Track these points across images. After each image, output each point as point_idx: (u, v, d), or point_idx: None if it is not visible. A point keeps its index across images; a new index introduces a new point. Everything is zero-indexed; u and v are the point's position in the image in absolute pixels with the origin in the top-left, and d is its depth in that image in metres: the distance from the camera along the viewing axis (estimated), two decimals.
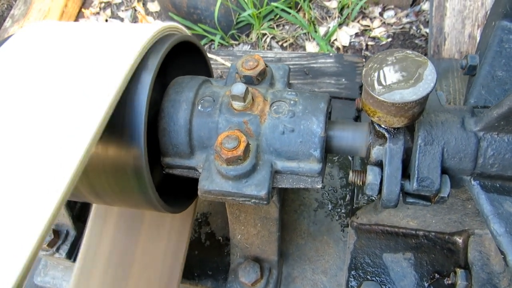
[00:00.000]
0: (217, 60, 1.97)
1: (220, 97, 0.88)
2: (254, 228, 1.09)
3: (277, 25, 2.48)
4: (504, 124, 0.72)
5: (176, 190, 1.03)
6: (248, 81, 0.90)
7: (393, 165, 0.78)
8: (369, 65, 0.72)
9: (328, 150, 0.88)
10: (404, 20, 2.41)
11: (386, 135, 0.79)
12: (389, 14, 2.45)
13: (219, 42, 2.42)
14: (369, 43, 2.37)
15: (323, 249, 1.25)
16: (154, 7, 2.79)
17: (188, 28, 2.32)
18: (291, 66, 0.98)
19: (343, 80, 1.82)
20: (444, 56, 1.95)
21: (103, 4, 2.89)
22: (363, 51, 2.34)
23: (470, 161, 0.76)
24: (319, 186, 0.86)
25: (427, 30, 2.30)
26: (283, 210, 1.32)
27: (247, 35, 2.47)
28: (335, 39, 2.40)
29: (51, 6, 2.67)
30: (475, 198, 0.78)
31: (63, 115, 0.69)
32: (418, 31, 2.36)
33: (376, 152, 0.82)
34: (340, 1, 2.47)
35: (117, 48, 0.80)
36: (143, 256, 1.16)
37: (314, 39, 2.39)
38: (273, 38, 2.46)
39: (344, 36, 2.39)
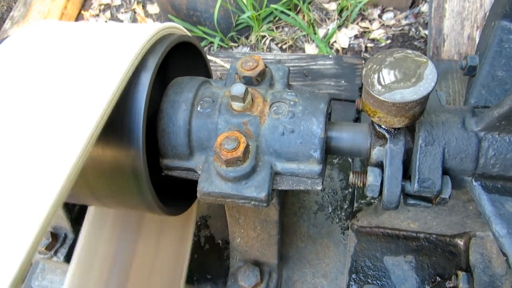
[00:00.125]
0: (217, 62, 1.96)
1: (219, 98, 0.87)
2: (253, 231, 1.08)
3: (276, 27, 2.48)
4: (505, 124, 0.71)
5: (175, 192, 1.02)
6: (248, 81, 0.89)
7: (393, 166, 0.77)
8: (369, 65, 0.71)
9: (328, 151, 0.87)
10: (403, 22, 2.41)
11: (387, 135, 0.79)
12: (388, 16, 2.45)
13: (218, 44, 2.42)
14: (369, 45, 2.37)
15: (324, 252, 1.24)
16: (153, 9, 2.79)
17: (188, 30, 2.32)
18: (290, 68, 0.97)
19: (343, 82, 1.81)
20: (444, 57, 1.94)
21: (102, 6, 2.89)
22: (362, 53, 2.33)
23: (471, 162, 0.75)
24: (319, 187, 0.86)
25: (426, 32, 2.30)
26: (283, 213, 1.31)
27: (247, 37, 2.47)
28: (335, 41, 2.39)
29: (51, 8, 2.67)
30: (477, 199, 0.77)
31: (60, 114, 0.68)
32: (417, 32, 2.36)
33: (377, 153, 0.81)
34: (339, 3, 2.47)
35: (116, 48, 0.80)
36: (142, 260, 1.14)
37: (313, 41, 2.39)
38: (272, 40, 2.46)
39: (343, 38, 2.39)
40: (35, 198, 0.60)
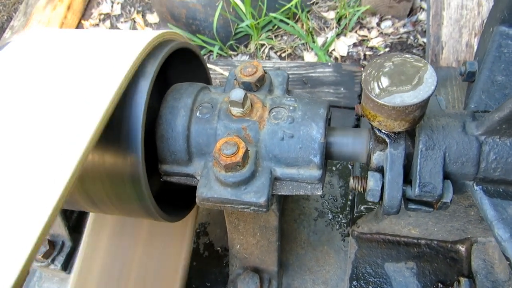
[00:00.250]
0: (216, 70, 1.97)
1: (218, 103, 0.87)
2: (253, 238, 1.07)
3: (275, 36, 2.49)
4: (506, 127, 0.71)
5: (174, 199, 1.01)
6: (247, 87, 0.89)
7: (394, 170, 0.77)
8: (369, 70, 0.71)
9: (328, 156, 0.87)
10: (402, 30, 2.42)
11: (387, 140, 0.78)
12: (386, 24, 2.46)
13: (217, 53, 2.43)
14: (367, 53, 2.38)
15: (324, 259, 1.23)
16: (153, 18, 2.80)
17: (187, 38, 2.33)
18: (289, 76, 0.97)
19: (342, 89, 1.81)
20: (442, 64, 1.95)
21: (102, 16, 2.90)
22: (361, 61, 2.34)
23: (472, 166, 0.75)
24: (319, 192, 0.85)
25: (425, 40, 2.32)
26: (283, 220, 1.30)
27: (246, 46, 2.48)
28: (333, 49, 2.40)
29: (51, 18, 2.68)
30: (478, 203, 0.77)
31: (58, 121, 0.68)
32: (416, 40, 2.37)
33: (377, 157, 0.81)
34: (337, 12, 2.48)
35: (115, 55, 0.80)
36: (141, 267, 1.13)
37: (312, 49, 2.40)
38: (271, 48, 2.47)
39: (342, 46, 2.40)
40: (34, 205, 0.59)
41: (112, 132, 0.77)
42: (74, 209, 1.16)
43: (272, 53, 2.46)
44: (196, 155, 0.86)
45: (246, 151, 0.79)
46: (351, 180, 0.84)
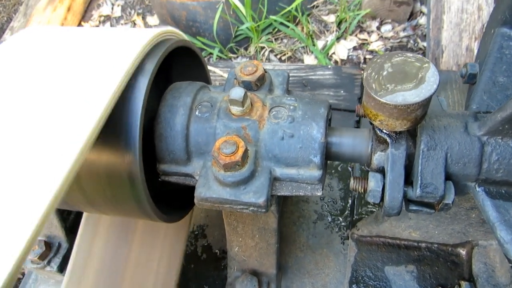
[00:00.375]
0: (216, 72, 1.96)
1: (218, 102, 0.86)
2: (252, 240, 1.05)
3: (275, 39, 2.49)
4: (509, 128, 0.70)
5: (172, 199, 1.00)
6: (247, 86, 0.88)
7: (395, 171, 0.76)
8: (370, 68, 0.70)
9: (328, 157, 0.86)
10: (402, 34, 2.42)
11: (388, 140, 0.77)
12: (386, 28, 2.46)
13: (217, 55, 2.42)
14: (367, 56, 2.37)
15: (323, 262, 1.22)
16: (153, 20, 2.80)
17: None
18: (289, 82, 0.96)
19: (342, 92, 1.81)
20: (442, 68, 1.95)
21: (102, 18, 2.90)
22: (361, 64, 2.34)
23: (474, 167, 0.74)
24: (319, 193, 0.84)
25: (425, 44, 2.31)
26: (282, 222, 1.29)
27: (246, 48, 2.48)
28: (333, 53, 2.40)
29: (51, 19, 2.68)
30: (480, 205, 0.76)
31: (55, 119, 0.67)
32: (416, 44, 2.37)
33: (378, 158, 0.80)
34: (337, 15, 2.48)
35: (114, 52, 0.79)
36: (135, 268, 1.12)
37: (312, 52, 2.40)
38: (271, 51, 2.46)
39: (342, 50, 2.40)
40: (29, 202, 0.58)
41: (110, 130, 0.76)
42: (71, 209, 1.14)
43: (272, 56, 2.46)
44: (195, 155, 0.85)
45: (246, 151, 0.78)
46: (352, 181, 0.83)
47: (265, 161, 0.82)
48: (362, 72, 1.86)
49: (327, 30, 2.50)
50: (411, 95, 0.65)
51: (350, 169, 1.39)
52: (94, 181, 0.82)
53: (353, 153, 0.84)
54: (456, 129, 0.75)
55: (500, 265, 0.99)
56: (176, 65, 1.07)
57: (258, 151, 0.81)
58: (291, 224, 1.29)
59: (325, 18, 2.54)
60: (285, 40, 2.50)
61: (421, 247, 1.12)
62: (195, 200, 0.81)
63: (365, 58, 2.38)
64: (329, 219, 1.30)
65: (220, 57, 2.46)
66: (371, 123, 0.83)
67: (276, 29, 2.48)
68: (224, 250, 1.28)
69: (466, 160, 0.74)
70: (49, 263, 1.24)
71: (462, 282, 1.02)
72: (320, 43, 2.44)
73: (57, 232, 1.25)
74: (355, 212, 1.27)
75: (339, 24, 2.49)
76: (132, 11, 2.90)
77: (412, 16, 2.46)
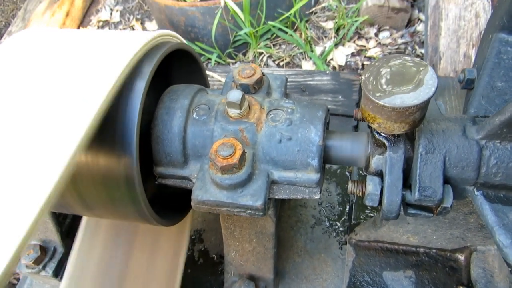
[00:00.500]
0: (214, 76, 1.96)
1: (215, 105, 0.86)
2: (249, 244, 1.05)
3: (273, 44, 2.50)
4: (507, 131, 0.70)
5: (170, 202, 0.99)
6: (245, 89, 0.88)
7: (393, 174, 0.75)
8: (368, 71, 0.70)
9: (326, 160, 0.86)
10: (399, 40, 2.44)
11: (386, 143, 0.77)
12: (384, 35, 2.48)
13: (216, 61, 2.43)
14: (365, 62, 2.38)
15: (321, 267, 1.21)
16: (152, 26, 2.81)
17: None
18: (287, 85, 0.96)
19: (340, 97, 1.81)
20: (440, 75, 1.95)
21: (101, 23, 2.91)
22: (359, 70, 2.35)
23: (472, 170, 0.74)
24: (317, 197, 0.83)
25: (422, 51, 2.33)
26: (279, 227, 1.28)
27: (244, 54, 2.48)
28: (331, 59, 2.41)
29: (49, 24, 2.68)
30: (479, 209, 0.75)
31: (48, 120, 0.66)
32: (413, 51, 2.39)
33: (376, 161, 0.80)
34: (336, 22, 2.49)
35: (110, 54, 0.79)
36: (135, 273, 1.11)
37: (310, 58, 2.40)
38: (269, 57, 2.47)
39: (340, 56, 2.40)
40: (21, 203, 0.57)
41: (107, 132, 0.76)
42: (67, 213, 1.13)
43: (270, 62, 2.46)
44: (192, 157, 0.85)
45: (243, 153, 0.77)
46: (350, 184, 0.82)
47: (263, 164, 0.81)
48: (360, 77, 1.86)
49: (325, 37, 2.51)
50: (409, 98, 0.65)
51: (348, 174, 1.38)
52: (90, 184, 0.82)
53: (351, 156, 0.83)
54: (455, 133, 0.75)
55: (498, 270, 0.98)
56: (175, 69, 1.07)
57: (255, 154, 0.81)
58: (289, 229, 1.29)
59: (323, 24, 2.55)
60: (283, 46, 2.51)
61: (419, 252, 1.11)
62: (192, 203, 0.81)
63: (363, 64, 2.38)
64: (327, 224, 1.29)
65: (219, 63, 2.46)
66: (369, 127, 0.83)
67: (275, 35, 2.49)
68: (221, 255, 1.27)
69: (464, 164, 0.74)
70: (44, 267, 1.22)
71: (461, 287, 1.01)
72: (318, 49, 2.45)
73: (53, 236, 1.24)
74: (353, 217, 1.27)
75: (337, 30, 2.50)
76: (131, 17, 2.91)
77: (410, 23, 2.48)
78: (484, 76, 0.92)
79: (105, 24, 2.91)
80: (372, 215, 1.25)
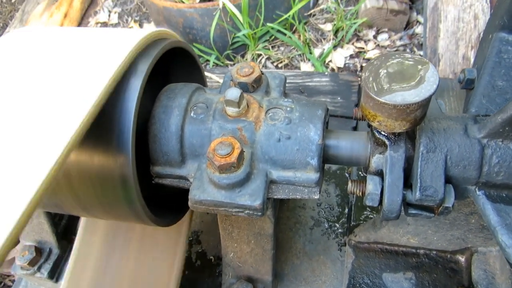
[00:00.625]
0: (212, 77, 1.95)
1: (213, 103, 0.85)
2: (247, 245, 1.03)
3: (272, 46, 2.49)
4: (509, 130, 0.69)
5: (167, 202, 0.98)
6: (243, 88, 0.87)
7: (394, 173, 0.74)
8: (369, 68, 0.69)
9: (325, 160, 0.84)
10: (398, 42, 2.43)
11: (387, 142, 0.76)
12: (383, 37, 2.47)
13: (214, 62, 2.42)
14: (364, 64, 2.38)
15: (320, 269, 1.20)
16: (150, 27, 2.80)
17: None
18: (286, 85, 0.95)
19: (339, 98, 1.80)
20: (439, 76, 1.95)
21: (99, 25, 2.90)
22: (358, 72, 2.34)
23: (474, 169, 0.73)
24: (316, 196, 0.82)
25: (421, 52, 2.32)
26: (278, 228, 1.26)
27: (242, 56, 2.48)
28: (330, 61, 2.40)
29: (47, 25, 2.67)
30: (481, 208, 0.74)
31: (40, 116, 0.65)
32: (412, 53, 2.38)
33: (376, 161, 0.78)
34: (334, 24, 2.49)
35: (105, 51, 0.77)
36: (133, 276, 1.09)
37: (309, 60, 2.40)
38: (268, 58, 2.46)
39: (338, 58, 2.40)
40: (10, 199, 0.55)
41: (103, 131, 0.74)
42: (62, 213, 1.12)
43: (269, 63, 2.45)
44: (189, 157, 0.84)
45: (241, 152, 0.76)
46: (349, 184, 0.81)
47: (261, 163, 0.80)
48: (359, 78, 1.86)
49: (324, 39, 2.51)
50: (410, 95, 0.64)
51: (347, 175, 1.37)
52: (86, 183, 0.80)
53: (351, 155, 0.82)
54: (456, 132, 0.74)
55: (500, 272, 0.97)
56: (174, 69, 1.06)
57: (254, 153, 0.80)
58: (287, 230, 1.27)
59: (322, 26, 2.54)
60: (282, 48, 2.50)
61: (419, 253, 1.10)
62: (189, 203, 0.79)
63: (361, 66, 2.38)
64: (326, 225, 1.28)
65: (217, 64, 2.45)
66: (369, 126, 0.82)
67: (273, 37, 2.49)
68: (219, 256, 1.26)
69: (466, 163, 0.73)
70: (39, 269, 1.21)
71: None
72: (317, 51, 2.44)
73: (48, 237, 1.22)
74: (352, 218, 1.25)
75: (336, 32, 2.50)
76: (129, 18, 2.90)
77: (408, 25, 2.48)
78: (485, 75, 0.91)
79: (103, 25, 2.90)
80: (372, 216, 1.24)
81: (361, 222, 1.23)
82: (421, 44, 2.35)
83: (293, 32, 2.50)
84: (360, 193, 0.80)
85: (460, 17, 1.98)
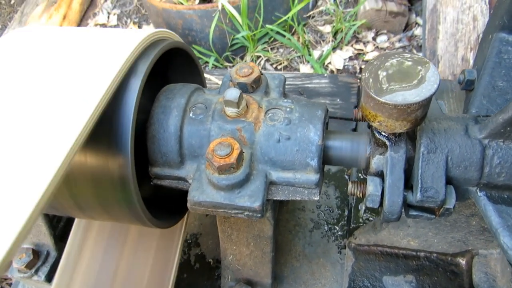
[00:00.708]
0: (211, 79, 1.95)
1: (213, 104, 0.84)
2: (246, 248, 1.02)
3: (271, 48, 2.49)
4: (510, 130, 0.69)
5: (165, 204, 0.97)
6: (243, 88, 0.86)
7: (395, 174, 0.74)
8: (370, 68, 0.68)
9: (325, 161, 0.84)
10: (397, 44, 2.43)
11: (387, 143, 0.75)
12: (382, 39, 2.47)
13: (213, 64, 2.41)
14: (363, 66, 2.37)
15: (320, 272, 1.19)
16: (149, 29, 2.79)
17: None
18: (285, 86, 0.94)
19: (338, 100, 1.80)
20: None
21: (98, 26, 2.89)
22: (357, 74, 2.34)
23: (475, 170, 0.72)
24: (316, 198, 0.82)
25: (420, 54, 2.32)
26: (277, 231, 1.26)
27: (242, 57, 2.47)
28: (329, 62, 2.40)
29: None
30: (482, 210, 0.73)
31: (43, 119, 0.65)
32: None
33: (376, 162, 0.78)
34: (333, 26, 2.49)
35: (106, 52, 0.77)
36: (125, 278, 1.08)
37: (308, 62, 2.39)
38: (267, 60, 2.46)
39: (338, 60, 2.39)
40: (15, 204, 0.55)
41: (101, 132, 0.74)
42: (60, 214, 1.11)
43: (268, 65, 2.45)
44: (188, 157, 0.83)
45: (241, 153, 0.76)
46: (350, 185, 0.80)
47: (261, 164, 0.80)
48: (358, 80, 1.85)
49: (323, 40, 2.50)
50: (411, 95, 0.63)
51: (346, 177, 1.36)
52: (84, 184, 0.79)
53: (351, 156, 0.82)
54: (457, 132, 0.73)
55: (501, 274, 0.96)
56: (173, 70, 1.06)
57: (253, 154, 0.79)
58: (287, 233, 1.26)
59: (321, 28, 2.54)
60: (281, 50, 2.50)
61: (420, 256, 1.09)
62: (188, 205, 0.79)
63: (361, 68, 2.38)
64: (326, 227, 1.27)
65: (216, 66, 2.45)
66: (369, 127, 0.81)
67: (272, 39, 2.48)
68: (218, 259, 1.25)
69: (467, 164, 0.72)
70: (36, 272, 1.20)
71: None
72: (316, 53, 2.44)
73: (46, 240, 1.21)
74: (352, 220, 1.25)
75: (335, 34, 2.50)
76: (128, 20, 2.90)
77: (407, 27, 2.47)
78: (485, 76, 0.90)
79: (102, 27, 2.89)
80: (372, 218, 1.23)
81: (361, 224, 1.23)
82: (420, 46, 2.35)
83: (292, 34, 2.49)
84: (361, 195, 0.79)
85: (459, 18, 1.98)
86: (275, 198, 0.82)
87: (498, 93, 0.87)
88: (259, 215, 0.76)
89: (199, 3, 2.40)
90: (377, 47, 2.44)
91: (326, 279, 1.17)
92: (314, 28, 2.55)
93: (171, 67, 1.06)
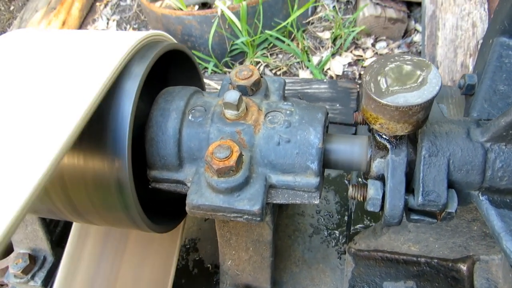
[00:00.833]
0: (210, 84, 1.95)
1: (212, 106, 0.83)
2: (245, 253, 1.01)
3: (270, 54, 2.49)
4: None
5: (163, 208, 0.96)
6: (242, 91, 0.86)
7: (396, 178, 0.73)
8: (371, 69, 0.68)
9: (326, 164, 0.83)
10: (396, 51, 2.44)
11: (388, 146, 0.75)
12: (381, 45, 2.48)
13: (212, 70, 2.41)
14: (362, 72, 2.38)
15: (319, 277, 1.18)
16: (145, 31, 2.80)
17: None
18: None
19: (338, 105, 1.79)
20: None
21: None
22: (356, 80, 2.34)
23: (477, 174, 0.71)
24: (317, 201, 0.81)
25: None
26: (277, 236, 1.24)
27: (241, 63, 2.47)
28: (329, 68, 2.40)
29: None
30: (485, 214, 0.73)
31: (32, 119, 0.64)
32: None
33: (377, 165, 0.77)
34: (333, 32, 2.49)
35: (99, 54, 0.76)
36: (124, 283, 1.07)
37: (307, 67, 2.39)
38: (266, 66, 2.46)
39: (337, 66, 2.40)
40: (4, 197, 0.54)
41: (98, 134, 0.73)
42: (57, 219, 1.10)
43: (267, 71, 2.45)
44: (187, 160, 0.82)
45: (240, 155, 0.75)
46: (350, 189, 0.79)
47: (261, 167, 0.79)
48: (358, 86, 1.85)
49: (322, 46, 2.51)
50: (413, 97, 0.63)
51: (346, 181, 1.35)
52: (81, 188, 0.78)
53: (351, 160, 0.81)
54: (458, 135, 0.73)
55: (503, 280, 0.95)
56: (173, 73, 1.05)
57: (253, 157, 0.78)
58: (286, 238, 1.25)
59: (320, 34, 2.55)
60: (280, 55, 2.50)
61: (420, 262, 1.08)
62: (187, 208, 0.78)
63: (360, 74, 2.38)
64: (325, 233, 1.26)
65: (215, 71, 2.45)
66: (369, 130, 0.80)
67: (272, 44, 2.49)
68: (217, 264, 1.24)
69: (469, 167, 0.71)
70: (33, 277, 1.18)
71: None
72: (315, 59, 2.44)
73: (43, 245, 1.20)
74: (352, 225, 1.23)
75: (334, 40, 2.50)
76: (128, 26, 2.90)
77: (406, 33, 2.48)
78: (486, 80, 0.90)
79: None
80: (372, 224, 1.22)
81: (361, 229, 1.22)
82: (420, 52, 2.35)
83: (292, 40, 2.50)
84: (361, 198, 0.78)
85: (458, 25, 1.99)
86: (274, 202, 0.81)
87: (500, 97, 0.87)
88: (259, 218, 0.75)
89: (199, 9, 2.41)
90: (376, 53, 2.44)
91: (326, 285, 1.16)
92: (313, 34, 2.55)
93: (170, 70, 1.05)
